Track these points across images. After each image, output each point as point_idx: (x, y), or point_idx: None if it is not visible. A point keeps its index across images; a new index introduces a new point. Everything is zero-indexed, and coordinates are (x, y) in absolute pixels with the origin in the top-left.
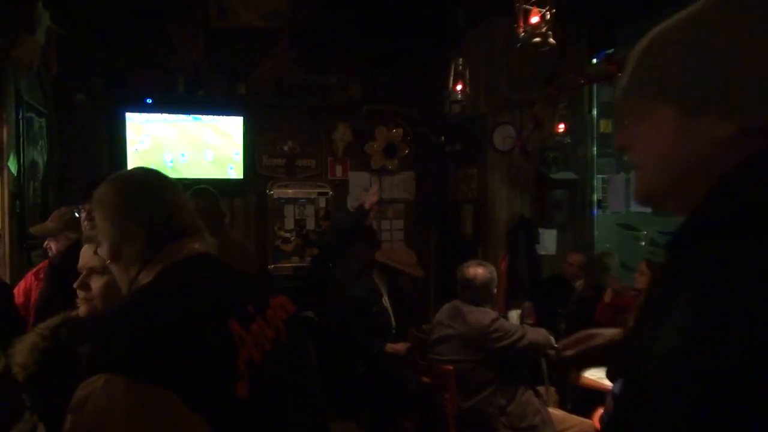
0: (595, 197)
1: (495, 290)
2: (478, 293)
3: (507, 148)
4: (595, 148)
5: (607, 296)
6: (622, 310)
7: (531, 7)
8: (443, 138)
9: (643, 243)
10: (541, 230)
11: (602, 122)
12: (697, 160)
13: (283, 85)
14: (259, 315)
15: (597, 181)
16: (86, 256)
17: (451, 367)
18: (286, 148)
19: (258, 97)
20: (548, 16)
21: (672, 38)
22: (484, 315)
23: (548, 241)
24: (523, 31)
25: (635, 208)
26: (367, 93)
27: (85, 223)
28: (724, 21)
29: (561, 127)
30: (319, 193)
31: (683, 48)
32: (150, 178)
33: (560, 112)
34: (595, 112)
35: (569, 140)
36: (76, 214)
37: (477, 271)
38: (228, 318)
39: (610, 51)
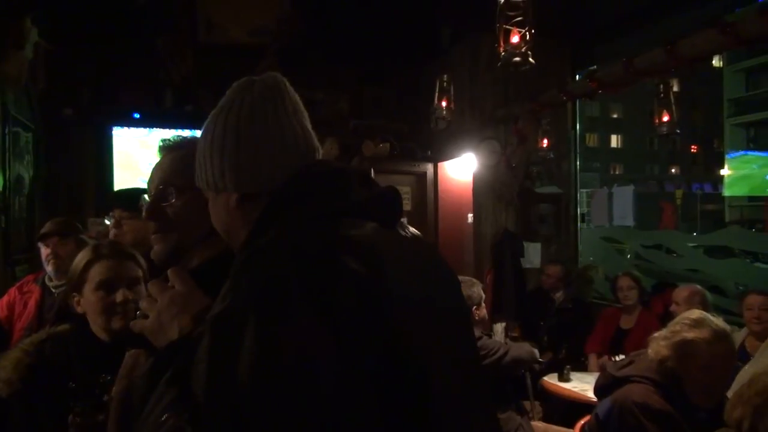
0: (579, 211)
1: (476, 308)
2: None
3: (492, 163)
4: (578, 163)
5: None
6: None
7: (511, 28)
8: (429, 152)
9: (629, 256)
10: (526, 244)
11: (588, 136)
12: (231, 221)
13: None
14: None
15: (581, 195)
16: None
17: None
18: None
19: None
20: (528, 37)
21: (203, 130)
22: None
23: (533, 254)
24: (504, 51)
25: (618, 221)
26: (354, 108)
27: (113, 230)
28: (227, 112)
29: (544, 142)
30: None
31: (202, 139)
32: None
33: (543, 128)
34: (578, 128)
35: (552, 155)
36: (106, 221)
37: None
38: None
39: (593, 68)
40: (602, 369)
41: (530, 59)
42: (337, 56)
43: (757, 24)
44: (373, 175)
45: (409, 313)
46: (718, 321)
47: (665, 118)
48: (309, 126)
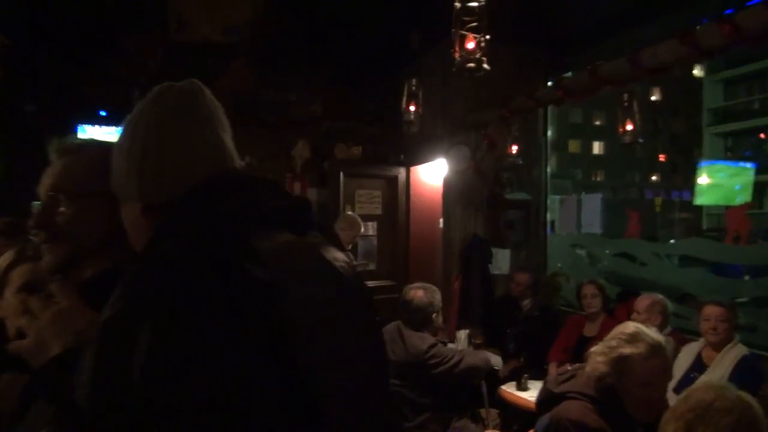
0: (548, 218)
1: (435, 315)
2: (414, 316)
3: (462, 168)
4: (549, 169)
5: None
6: None
7: (467, 33)
8: (402, 157)
9: (596, 263)
10: (494, 250)
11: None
12: (137, 230)
13: (242, 100)
14: None
15: (552, 202)
16: None
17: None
18: (243, 163)
19: None
20: (482, 43)
21: (119, 134)
22: (422, 341)
23: (502, 260)
24: (459, 56)
25: (586, 228)
26: (327, 110)
27: None
28: (138, 118)
29: (514, 148)
30: None
31: (116, 143)
32: None
33: (513, 134)
34: (549, 134)
35: (521, 161)
36: None
37: (416, 293)
38: None
39: (568, 74)
40: (544, 383)
41: (485, 65)
42: (311, 58)
43: (716, 35)
44: (343, 177)
45: (309, 321)
46: (653, 333)
47: (629, 127)
48: (226, 136)
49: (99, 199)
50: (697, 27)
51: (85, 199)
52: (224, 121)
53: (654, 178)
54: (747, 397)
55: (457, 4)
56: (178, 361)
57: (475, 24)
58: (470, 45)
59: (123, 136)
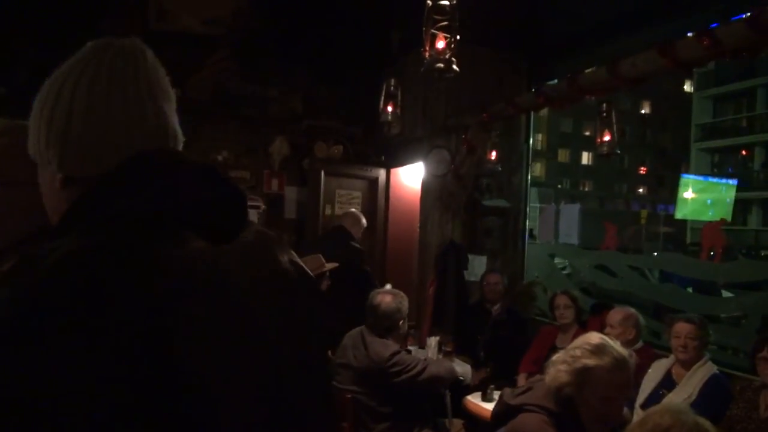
0: (527, 226)
1: (402, 322)
2: (380, 322)
3: (441, 172)
4: (529, 177)
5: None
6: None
7: (437, 33)
8: (383, 158)
9: (569, 272)
10: (471, 256)
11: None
12: (55, 203)
13: (221, 93)
14: None
15: (534, 210)
16: None
17: (349, 396)
18: (220, 158)
19: (193, 104)
20: (453, 44)
21: (41, 89)
22: (385, 348)
23: (478, 267)
24: (429, 56)
25: (564, 239)
26: (308, 108)
27: None
28: (67, 75)
29: (493, 154)
30: (251, 206)
31: (37, 99)
32: None
33: (493, 140)
34: (539, 142)
35: (500, 168)
36: None
37: (384, 298)
38: None
39: (554, 82)
40: (500, 395)
41: (454, 66)
42: (293, 54)
43: (695, 48)
44: (324, 177)
45: (200, 347)
46: (618, 347)
47: (606, 138)
48: (169, 108)
49: (24, 190)
50: (678, 40)
51: (7, 188)
52: (169, 91)
53: (641, 190)
54: (705, 423)
55: (429, 2)
56: (19, 390)
57: (445, 23)
58: (440, 44)
59: (47, 94)
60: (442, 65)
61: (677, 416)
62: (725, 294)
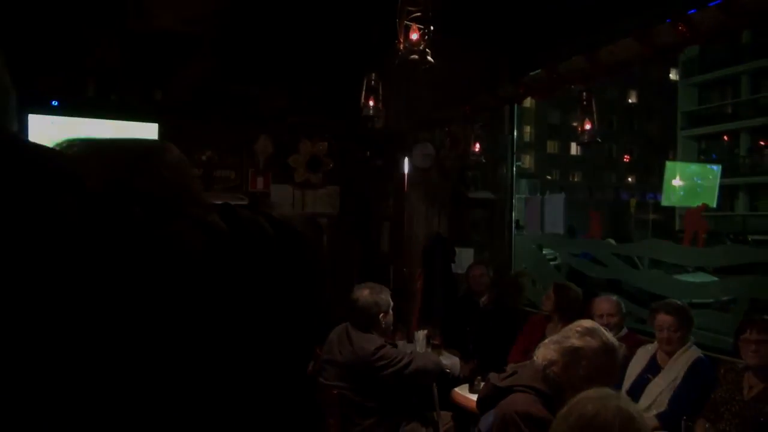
0: (513, 217)
1: (383, 315)
2: (359, 316)
3: (425, 166)
4: (514, 168)
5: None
6: None
7: (411, 24)
8: (368, 153)
9: (557, 263)
10: (458, 249)
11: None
12: None
13: (204, 92)
14: None
15: (519, 201)
16: None
17: (335, 392)
18: (204, 157)
19: (175, 103)
20: (427, 35)
21: None
22: (370, 342)
23: (465, 259)
24: (403, 47)
25: (549, 228)
26: (291, 105)
27: None
28: None
29: (477, 146)
30: (237, 205)
31: None
32: None
33: (476, 132)
34: (516, 133)
35: (484, 160)
36: None
37: (362, 293)
38: None
39: (536, 73)
40: (486, 380)
41: (429, 58)
42: (275, 50)
43: (671, 35)
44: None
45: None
46: (609, 335)
47: (587, 126)
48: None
49: None
50: (654, 27)
51: None
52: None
53: (630, 179)
54: (628, 406)
55: None
56: None
57: (419, 14)
58: (414, 36)
59: None
60: (416, 56)
61: (600, 402)
62: (710, 278)
